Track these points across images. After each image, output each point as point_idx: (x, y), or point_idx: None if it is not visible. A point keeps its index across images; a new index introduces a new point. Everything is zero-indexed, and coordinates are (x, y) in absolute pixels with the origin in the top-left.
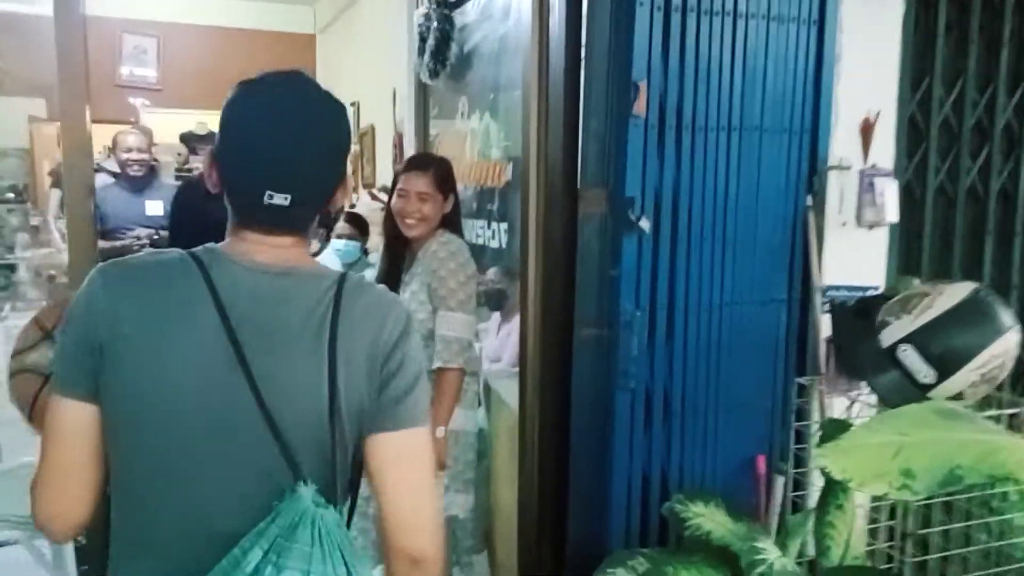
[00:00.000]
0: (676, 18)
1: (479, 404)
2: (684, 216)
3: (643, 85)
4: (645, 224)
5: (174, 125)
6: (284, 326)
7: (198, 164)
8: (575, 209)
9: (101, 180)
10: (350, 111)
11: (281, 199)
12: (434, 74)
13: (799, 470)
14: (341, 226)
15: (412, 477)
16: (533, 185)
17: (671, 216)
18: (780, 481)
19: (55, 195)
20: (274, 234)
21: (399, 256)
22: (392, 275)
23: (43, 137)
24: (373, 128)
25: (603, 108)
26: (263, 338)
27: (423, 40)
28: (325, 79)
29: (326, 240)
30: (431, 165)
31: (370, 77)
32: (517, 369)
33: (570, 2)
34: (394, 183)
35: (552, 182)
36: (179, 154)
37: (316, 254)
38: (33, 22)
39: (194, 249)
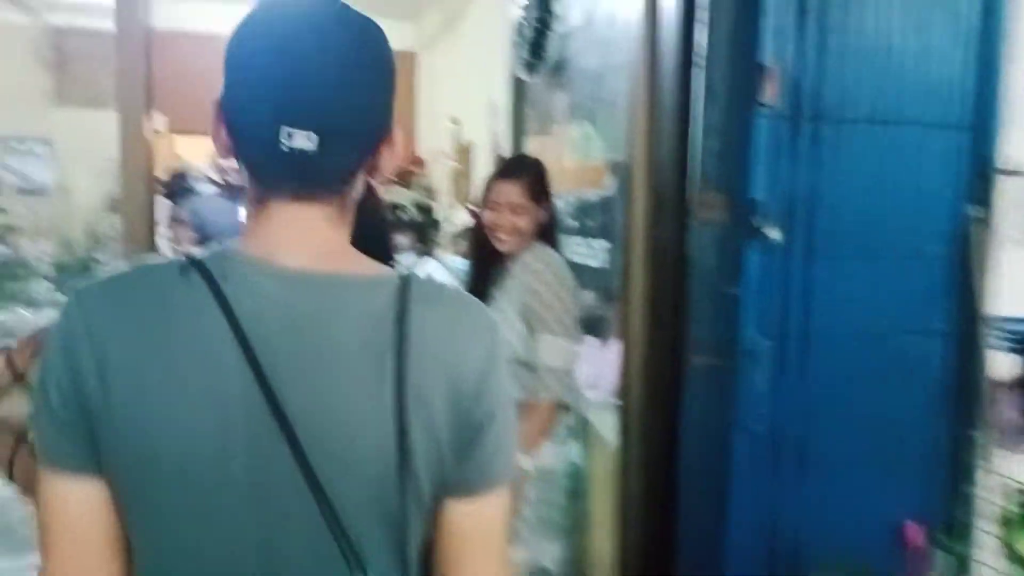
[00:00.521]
0: None
1: (573, 437)
2: (822, 225)
3: (774, 68)
4: (774, 233)
5: None
6: (333, 356)
7: None
8: (687, 216)
9: (208, 190)
10: (451, 128)
11: (304, 139)
12: (531, 68)
13: (965, 543)
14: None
15: (487, 548)
16: (639, 188)
17: (806, 225)
18: (939, 557)
19: (162, 204)
20: (302, 200)
21: (488, 271)
22: (479, 293)
23: (161, 150)
24: (472, 144)
25: (724, 96)
26: (304, 375)
27: (521, 34)
28: (427, 97)
29: (425, 254)
30: (523, 171)
31: (472, 94)
32: (616, 400)
33: None
34: (486, 192)
35: (661, 184)
36: None
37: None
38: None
39: (202, 255)
